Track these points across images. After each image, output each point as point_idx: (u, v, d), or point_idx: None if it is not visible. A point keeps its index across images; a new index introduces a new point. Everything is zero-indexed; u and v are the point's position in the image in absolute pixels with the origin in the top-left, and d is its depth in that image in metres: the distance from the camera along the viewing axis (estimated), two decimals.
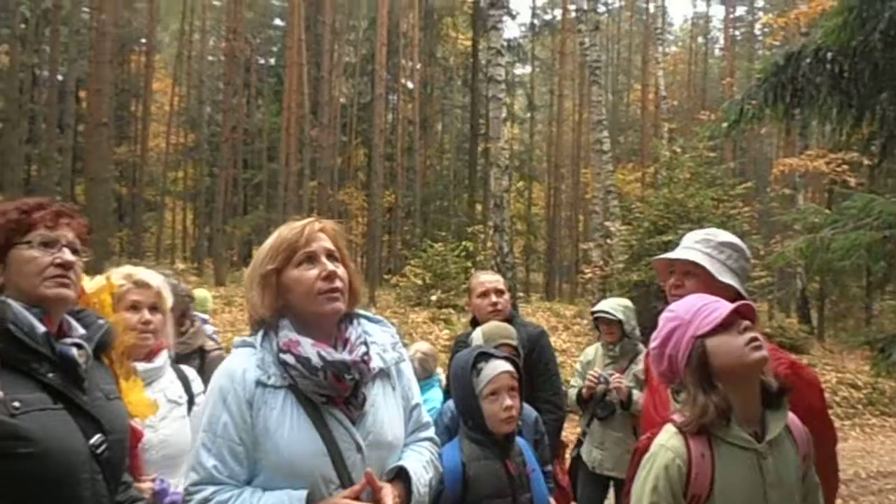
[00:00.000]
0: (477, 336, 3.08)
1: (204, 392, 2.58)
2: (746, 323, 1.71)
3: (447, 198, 31.47)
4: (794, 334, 15.73)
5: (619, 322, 4.01)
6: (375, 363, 1.81)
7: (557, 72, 33.03)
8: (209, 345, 3.44)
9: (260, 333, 1.80)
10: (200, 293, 6.50)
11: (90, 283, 2.07)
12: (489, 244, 13.23)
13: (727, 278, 2.14)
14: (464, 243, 16.43)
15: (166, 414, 2.34)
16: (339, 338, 1.81)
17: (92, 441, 1.62)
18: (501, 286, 3.62)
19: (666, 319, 1.82)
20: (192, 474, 1.70)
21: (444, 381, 4.10)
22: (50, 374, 1.60)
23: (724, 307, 1.73)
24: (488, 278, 3.68)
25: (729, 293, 2.06)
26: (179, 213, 33.87)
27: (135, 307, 2.34)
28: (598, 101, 15.19)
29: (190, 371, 2.64)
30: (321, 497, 1.65)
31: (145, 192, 28.97)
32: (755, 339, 1.68)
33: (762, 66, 6.18)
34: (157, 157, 31.93)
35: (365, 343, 1.82)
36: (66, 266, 1.67)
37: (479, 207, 29.46)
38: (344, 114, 29.52)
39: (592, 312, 4.33)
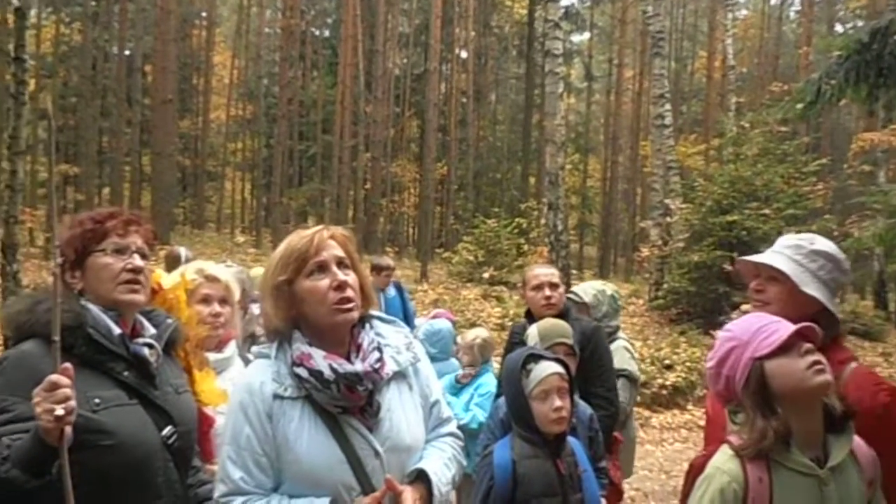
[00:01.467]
0: (532, 334, 3.08)
1: None
2: (808, 345, 1.66)
3: (500, 171, 31.22)
4: (868, 320, 14.90)
5: (587, 306, 3.88)
6: (390, 367, 1.82)
7: (617, 40, 32.02)
8: (258, 330, 3.59)
9: (275, 345, 1.81)
10: (257, 272, 6.71)
11: (167, 280, 2.22)
12: (543, 221, 13.10)
13: (812, 290, 1.98)
14: (517, 220, 16.32)
15: None
16: (353, 344, 1.82)
17: (164, 432, 1.77)
18: (556, 279, 3.59)
19: (723, 339, 1.78)
20: (220, 486, 1.75)
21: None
22: (125, 373, 1.75)
23: (785, 329, 1.68)
24: (543, 271, 3.65)
25: (813, 307, 1.95)
26: (238, 184, 34.58)
27: (206, 300, 2.46)
28: (660, 73, 14.70)
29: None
30: (343, 503, 1.70)
31: (207, 163, 29.69)
32: (818, 362, 1.62)
33: (843, 43, 5.71)
34: (217, 129, 32.62)
35: (378, 348, 1.82)
36: (136, 271, 1.80)
37: (532, 181, 29.17)
38: (397, 85, 29.43)
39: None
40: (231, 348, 2.58)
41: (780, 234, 11.41)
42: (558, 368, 2.38)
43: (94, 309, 1.74)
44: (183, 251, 5.08)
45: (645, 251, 14.66)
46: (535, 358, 2.40)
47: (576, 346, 3.06)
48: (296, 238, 1.81)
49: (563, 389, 2.36)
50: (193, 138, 30.83)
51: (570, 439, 2.46)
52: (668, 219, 13.99)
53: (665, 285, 13.36)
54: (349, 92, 24.97)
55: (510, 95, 35.02)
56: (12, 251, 8.47)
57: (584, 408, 2.86)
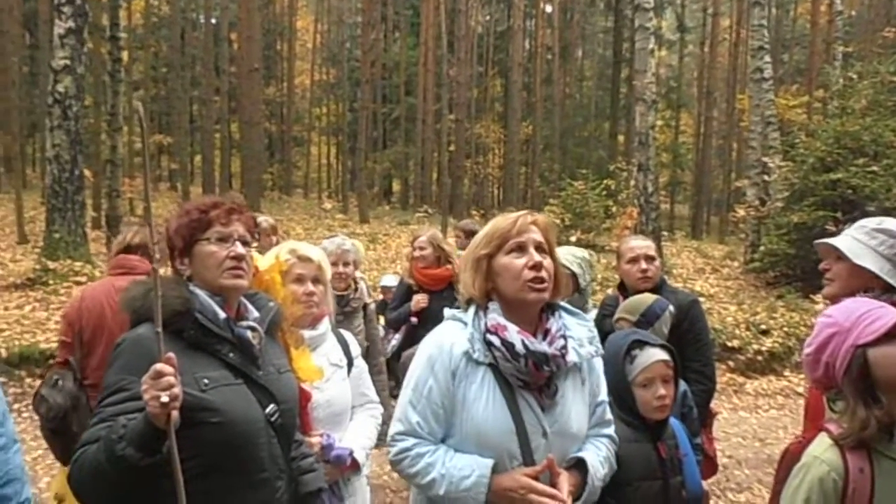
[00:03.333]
0: (620, 310, 3.04)
1: (360, 355, 2.80)
2: None
3: (587, 129, 30.46)
4: None
5: (574, 275, 3.65)
6: (571, 357, 1.91)
7: None
8: (368, 300, 3.84)
9: (472, 311, 1.95)
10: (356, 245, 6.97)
11: (262, 262, 2.30)
12: (632, 183, 12.71)
13: (868, 262, 2.11)
14: (605, 181, 15.92)
15: (330, 376, 2.52)
16: (540, 327, 1.94)
17: (267, 410, 1.86)
18: (652, 252, 3.50)
19: (823, 325, 1.73)
20: (398, 424, 1.93)
21: None
22: (231, 354, 1.83)
23: (890, 315, 1.61)
24: (638, 244, 3.56)
25: (872, 280, 2.10)
26: (324, 149, 35.24)
27: (299, 280, 2.53)
28: (759, 24, 13.73)
29: (349, 336, 2.81)
30: (504, 469, 1.82)
31: (293, 129, 30.36)
32: None
33: None
34: (301, 94, 33.21)
35: (564, 336, 1.92)
36: (239, 258, 1.88)
37: (621, 139, 28.34)
38: (480, 44, 29.07)
39: None
40: (324, 325, 2.64)
41: (889, 191, 10.61)
42: (664, 356, 2.31)
43: (201, 294, 1.83)
44: (261, 218, 5.23)
45: (741, 211, 14.04)
46: (640, 343, 2.34)
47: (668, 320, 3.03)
48: (501, 219, 1.98)
49: (668, 377, 2.30)
50: (279, 104, 31.56)
51: (672, 421, 2.40)
52: (767, 177, 13.31)
53: (762, 247, 12.79)
54: (432, 53, 24.84)
55: (597, 50, 34.02)
56: (115, 222, 8.97)
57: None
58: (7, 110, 17.86)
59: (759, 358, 9.07)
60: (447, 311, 2.05)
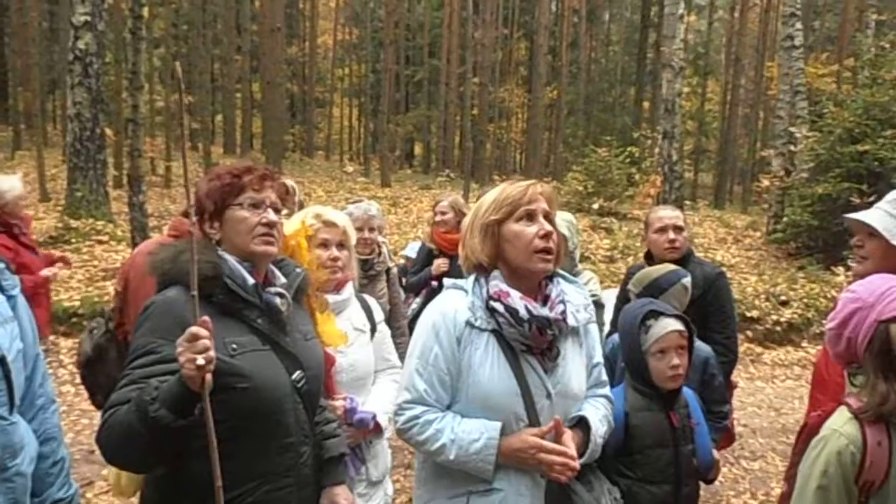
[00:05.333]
0: (634, 281, 3.05)
1: (384, 320, 2.83)
2: None
3: (612, 95, 29.99)
4: None
5: (565, 238, 3.64)
6: (570, 321, 1.95)
7: None
8: (391, 264, 3.96)
9: (471, 279, 2.00)
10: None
11: (288, 227, 2.32)
12: (656, 151, 12.57)
13: None
14: (629, 149, 15.74)
15: (353, 341, 2.56)
16: (540, 293, 1.98)
17: (293, 377, 1.88)
18: (680, 222, 3.49)
19: (846, 300, 1.74)
20: (404, 393, 1.97)
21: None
22: (259, 320, 1.85)
23: None
24: (667, 214, 3.54)
25: None
26: (346, 110, 35.04)
27: (324, 245, 2.55)
28: None
29: (372, 301, 2.85)
30: (511, 431, 1.87)
31: (315, 89, 30.15)
32: None
33: None
34: (323, 54, 32.91)
35: (563, 302, 1.96)
36: (271, 225, 1.88)
37: (646, 106, 27.91)
38: (505, 6, 28.55)
39: None
40: (348, 290, 2.67)
41: None
42: (678, 326, 2.34)
43: (230, 259, 1.84)
44: (290, 183, 5.25)
45: (765, 181, 13.86)
46: (655, 314, 2.36)
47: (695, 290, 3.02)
48: (510, 186, 2.00)
49: (682, 347, 2.33)
50: (301, 64, 31.28)
51: (685, 390, 2.43)
52: (793, 147, 13.10)
53: (785, 218, 12.66)
54: (456, 15, 24.47)
55: (625, 14, 33.27)
56: (138, 183, 9.03)
57: (699, 350, 2.79)
58: (27, 66, 17.93)
59: (778, 328, 9.09)
60: (447, 281, 2.09)
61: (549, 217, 1.96)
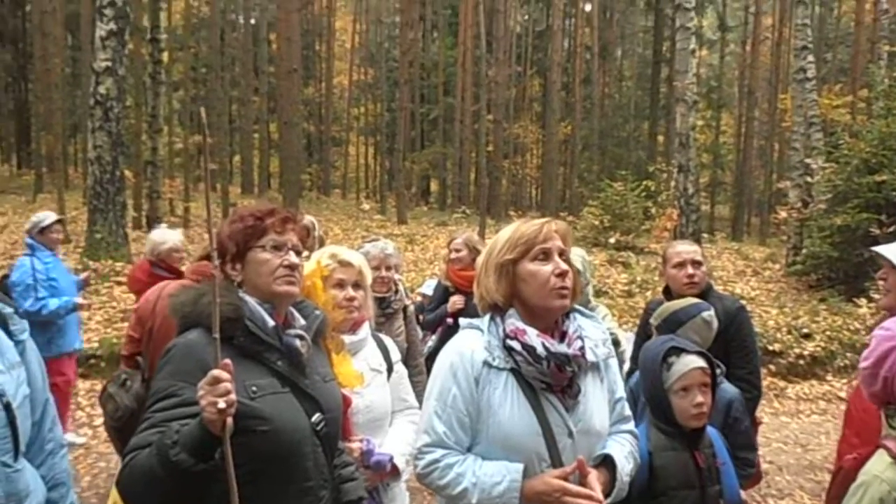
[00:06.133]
0: (655, 315, 3.00)
1: (400, 360, 2.81)
2: None
3: (626, 130, 30.12)
4: None
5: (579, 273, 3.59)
6: (589, 357, 1.93)
7: None
8: (408, 301, 3.95)
9: (487, 318, 1.97)
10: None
11: (304, 268, 2.29)
12: (672, 184, 12.55)
13: None
14: (645, 182, 15.73)
15: (370, 381, 2.54)
16: (557, 330, 1.95)
17: (313, 419, 1.86)
18: (699, 257, 3.46)
19: (881, 338, 1.68)
20: (424, 436, 1.93)
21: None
22: (279, 363, 1.85)
23: None
24: (685, 248, 3.51)
25: None
26: (362, 149, 35.41)
27: (340, 285, 2.54)
28: (803, 23, 13.46)
29: (388, 341, 2.83)
30: (534, 472, 1.82)
31: (331, 128, 30.56)
32: None
33: None
34: (339, 94, 33.42)
35: (580, 337, 1.94)
36: (293, 267, 1.90)
37: (660, 140, 27.97)
38: (519, 44, 28.94)
39: None
40: (365, 330, 2.66)
41: None
42: (701, 363, 2.29)
43: (250, 301, 1.84)
44: (309, 219, 5.32)
45: (783, 213, 13.78)
46: (677, 350, 2.32)
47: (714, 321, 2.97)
48: (524, 225, 1.98)
49: (706, 384, 2.28)
50: (318, 104, 31.77)
51: (710, 430, 2.38)
52: (809, 179, 13.04)
53: (804, 250, 12.56)
54: (470, 53, 24.80)
55: (637, 50, 33.55)
56: (157, 223, 9.14)
57: (724, 391, 2.73)
58: (50, 111, 18.30)
59: (801, 362, 8.92)
60: (463, 321, 2.06)
61: (564, 255, 1.94)
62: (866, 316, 9.93)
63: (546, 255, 1.91)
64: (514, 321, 1.91)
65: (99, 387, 4.58)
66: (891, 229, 10.74)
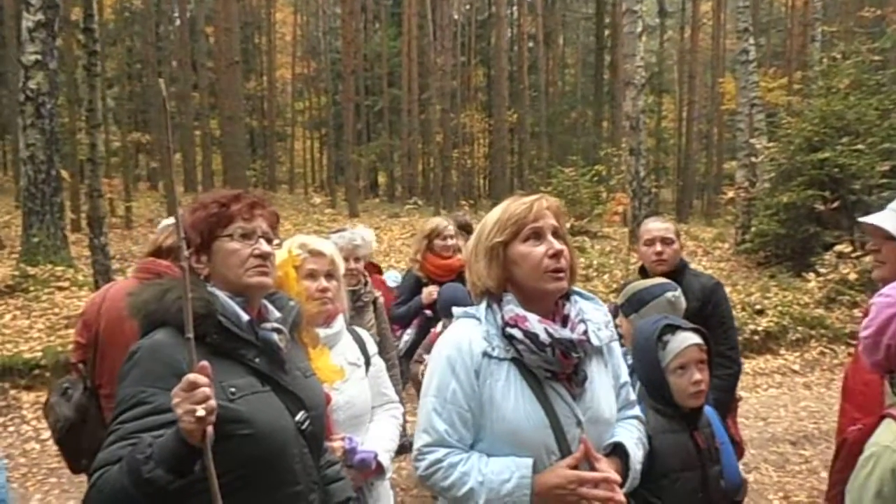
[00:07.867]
0: (621, 294, 2.91)
1: (377, 353, 2.68)
2: None
3: (572, 116, 30.41)
4: None
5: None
6: (593, 341, 1.82)
7: None
8: (377, 293, 3.79)
9: (483, 306, 1.84)
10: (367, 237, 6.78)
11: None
12: (623, 168, 12.67)
13: None
14: (595, 167, 15.88)
15: (349, 376, 2.41)
16: (558, 314, 1.83)
17: (297, 418, 1.72)
18: (670, 234, 3.42)
19: (881, 305, 1.62)
20: (424, 436, 1.79)
21: None
22: (257, 360, 1.70)
23: None
24: (656, 226, 3.49)
25: None
26: (307, 143, 34.86)
27: (312, 276, 2.40)
28: (744, 6, 13.72)
29: (364, 333, 2.70)
30: (543, 466, 1.71)
31: (275, 123, 29.98)
32: None
33: None
34: (282, 88, 32.80)
35: (583, 321, 1.83)
36: (264, 256, 1.74)
37: (606, 125, 28.32)
38: (463, 33, 28.84)
39: None
40: (339, 323, 2.52)
41: (873, 169, 10.75)
42: (698, 339, 2.21)
43: (221, 296, 1.69)
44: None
45: (730, 193, 14.08)
46: (672, 328, 2.24)
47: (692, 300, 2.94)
48: (514, 203, 1.84)
49: (702, 361, 2.21)
50: (260, 99, 31.14)
51: (707, 409, 2.31)
52: (754, 159, 13.35)
53: (752, 228, 12.86)
54: (415, 42, 24.59)
55: (580, 38, 33.87)
56: (98, 224, 8.73)
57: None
58: None
59: (756, 338, 9.12)
60: (456, 310, 1.92)
61: (557, 233, 1.80)
62: (815, 290, 10.21)
63: (538, 235, 1.77)
64: (513, 307, 1.77)
65: (44, 398, 4.32)
66: (835, 205, 11.06)
